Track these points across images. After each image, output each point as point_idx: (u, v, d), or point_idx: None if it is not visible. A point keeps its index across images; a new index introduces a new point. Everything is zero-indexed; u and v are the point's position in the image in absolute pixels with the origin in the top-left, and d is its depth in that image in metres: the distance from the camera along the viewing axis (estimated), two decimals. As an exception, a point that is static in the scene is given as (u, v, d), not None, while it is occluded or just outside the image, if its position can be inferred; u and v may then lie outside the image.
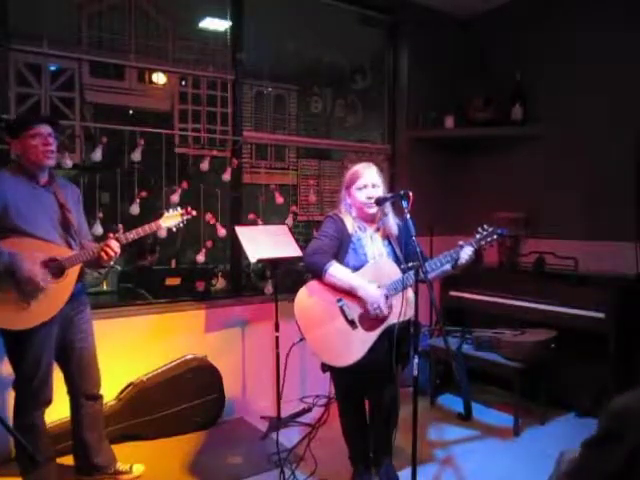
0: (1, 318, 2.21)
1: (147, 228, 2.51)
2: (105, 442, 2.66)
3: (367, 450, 2.65)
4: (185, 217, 2.63)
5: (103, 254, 2.38)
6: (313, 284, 2.42)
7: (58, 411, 2.64)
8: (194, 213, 2.69)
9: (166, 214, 2.59)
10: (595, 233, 3.70)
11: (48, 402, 2.40)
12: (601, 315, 3.20)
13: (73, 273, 2.35)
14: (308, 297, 2.41)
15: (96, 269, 2.79)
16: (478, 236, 2.42)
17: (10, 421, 2.33)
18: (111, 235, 2.48)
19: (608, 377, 3.18)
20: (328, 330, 2.35)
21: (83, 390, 2.53)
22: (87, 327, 2.52)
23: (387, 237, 2.51)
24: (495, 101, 4.22)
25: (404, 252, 2.41)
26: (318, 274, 2.37)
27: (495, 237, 2.41)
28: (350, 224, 2.48)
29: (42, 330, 2.28)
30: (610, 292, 3.21)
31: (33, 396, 2.34)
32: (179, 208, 2.63)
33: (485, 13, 4.45)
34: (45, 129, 2.34)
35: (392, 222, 2.51)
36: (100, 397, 2.62)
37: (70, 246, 2.39)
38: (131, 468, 2.67)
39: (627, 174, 3.49)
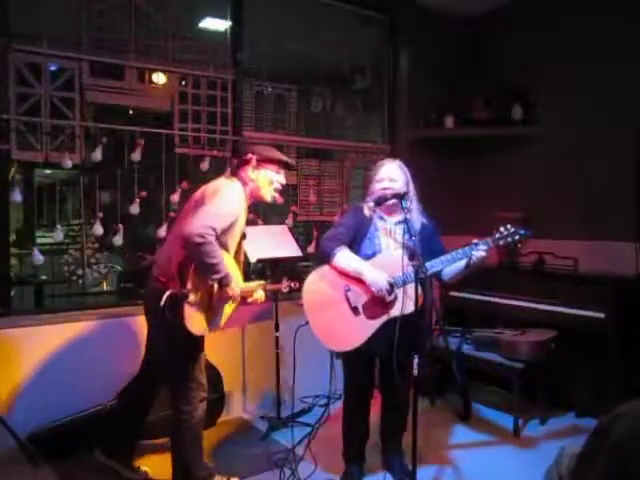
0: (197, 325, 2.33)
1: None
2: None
3: (362, 451, 2.67)
4: (287, 287, 2.76)
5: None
6: (323, 269, 2.47)
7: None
8: (296, 286, 2.75)
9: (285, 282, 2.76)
10: (595, 233, 3.70)
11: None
12: (601, 315, 3.20)
13: None
14: (316, 281, 2.48)
15: None
16: (497, 235, 2.38)
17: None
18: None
19: (608, 377, 3.18)
20: (331, 314, 2.40)
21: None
22: None
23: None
24: (495, 101, 4.22)
25: (424, 250, 2.40)
26: (327, 258, 2.43)
27: (517, 238, 2.35)
28: (370, 214, 2.53)
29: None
30: (610, 292, 3.21)
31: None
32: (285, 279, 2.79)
33: (485, 13, 4.45)
34: None
35: (415, 219, 2.52)
36: None
37: None
38: (139, 469, 2.70)
39: (627, 174, 3.49)
